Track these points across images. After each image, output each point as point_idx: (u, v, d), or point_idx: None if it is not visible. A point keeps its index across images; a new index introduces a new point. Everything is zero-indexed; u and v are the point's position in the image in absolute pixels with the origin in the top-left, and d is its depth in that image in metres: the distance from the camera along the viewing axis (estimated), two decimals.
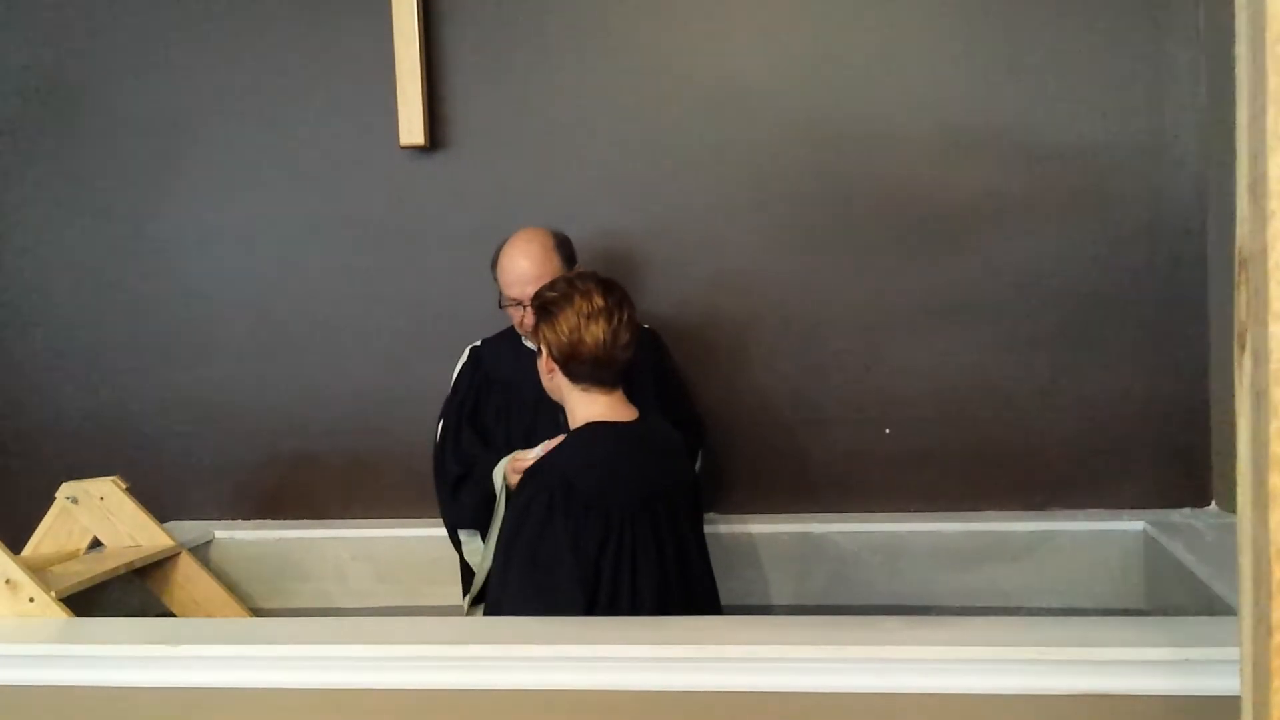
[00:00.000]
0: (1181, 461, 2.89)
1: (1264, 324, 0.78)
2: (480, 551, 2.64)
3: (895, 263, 2.98)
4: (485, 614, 2.19)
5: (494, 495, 2.52)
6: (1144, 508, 2.88)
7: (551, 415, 2.36)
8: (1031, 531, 2.83)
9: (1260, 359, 0.79)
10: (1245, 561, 0.87)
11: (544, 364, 2.20)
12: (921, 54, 2.95)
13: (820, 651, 1.81)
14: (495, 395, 2.73)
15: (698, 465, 2.81)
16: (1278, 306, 0.77)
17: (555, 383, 2.21)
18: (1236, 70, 0.84)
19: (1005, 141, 2.92)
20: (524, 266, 2.55)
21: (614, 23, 3.06)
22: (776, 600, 2.92)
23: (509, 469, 2.47)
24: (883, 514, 2.97)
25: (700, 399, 2.99)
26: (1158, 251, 2.87)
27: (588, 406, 2.17)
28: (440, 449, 2.75)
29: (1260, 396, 0.79)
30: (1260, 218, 0.76)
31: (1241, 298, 0.85)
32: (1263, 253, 0.77)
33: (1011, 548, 2.84)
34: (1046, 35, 2.89)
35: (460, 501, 2.66)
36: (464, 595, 2.69)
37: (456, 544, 2.72)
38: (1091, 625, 1.93)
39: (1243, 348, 0.84)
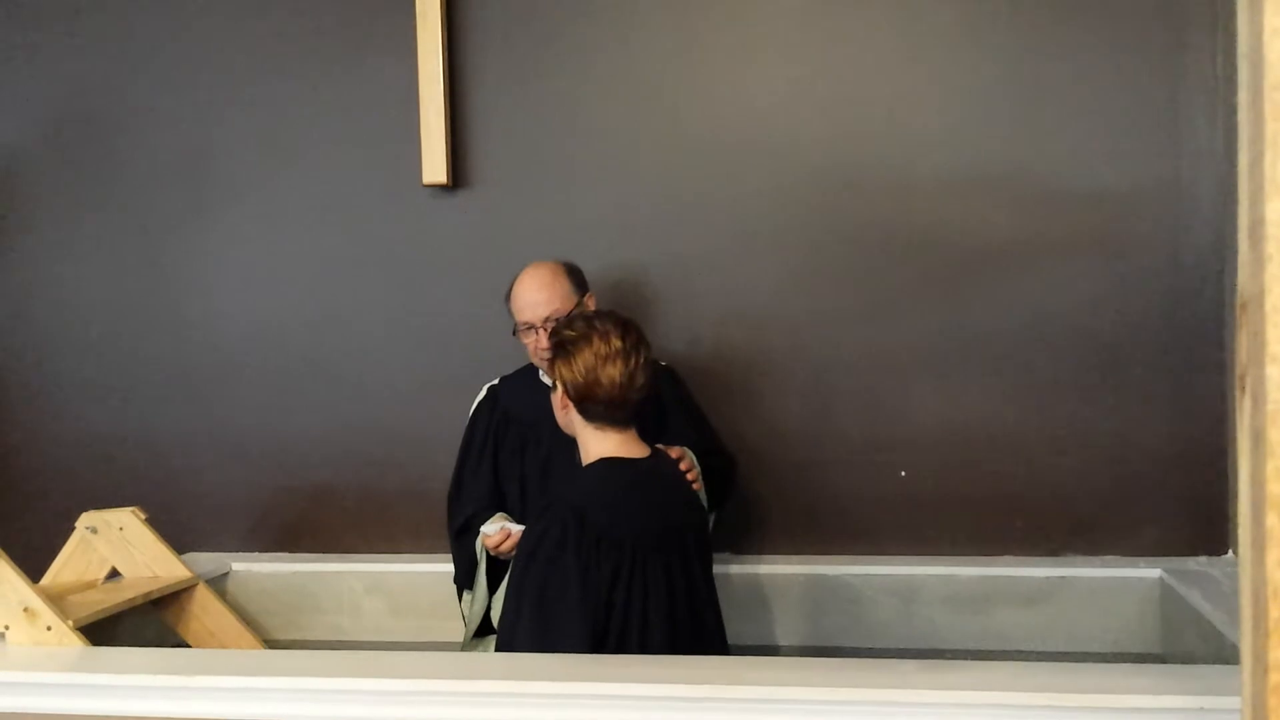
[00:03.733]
0: (1198, 508, 2.87)
1: (1262, 366, 0.79)
2: (468, 601, 2.69)
3: (910, 305, 2.98)
4: (496, 647, 2.20)
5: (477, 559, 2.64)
6: (1160, 555, 2.86)
7: (568, 452, 2.38)
8: (1047, 577, 2.82)
9: (1259, 401, 0.80)
10: (1245, 602, 0.87)
11: (559, 399, 2.23)
12: (938, 98, 2.97)
13: (833, 694, 1.80)
14: (513, 433, 2.76)
15: (729, 500, 2.82)
16: (1275, 349, 0.77)
17: (569, 418, 2.24)
18: (1239, 117, 0.85)
19: (1021, 185, 2.93)
20: (533, 289, 2.61)
21: (637, 66, 3.10)
22: (789, 641, 2.91)
23: (483, 540, 2.56)
24: (897, 556, 2.95)
25: None
26: (1174, 296, 2.87)
27: (600, 443, 2.19)
28: (454, 492, 2.79)
29: (1259, 437, 0.80)
30: (1259, 261, 0.77)
31: (1242, 341, 0.86)
32: (1261, 295, 0.78)
33: (1026, 593, 2.82)
34: (1064, 80, 2.91)
35: (457, 555, 2.73)
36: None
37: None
38: (1106, 672, 1.91)
39: (1243, 390, 0.85)
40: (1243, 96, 0.82)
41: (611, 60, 3.11)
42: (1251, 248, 0.80)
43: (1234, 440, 2.74)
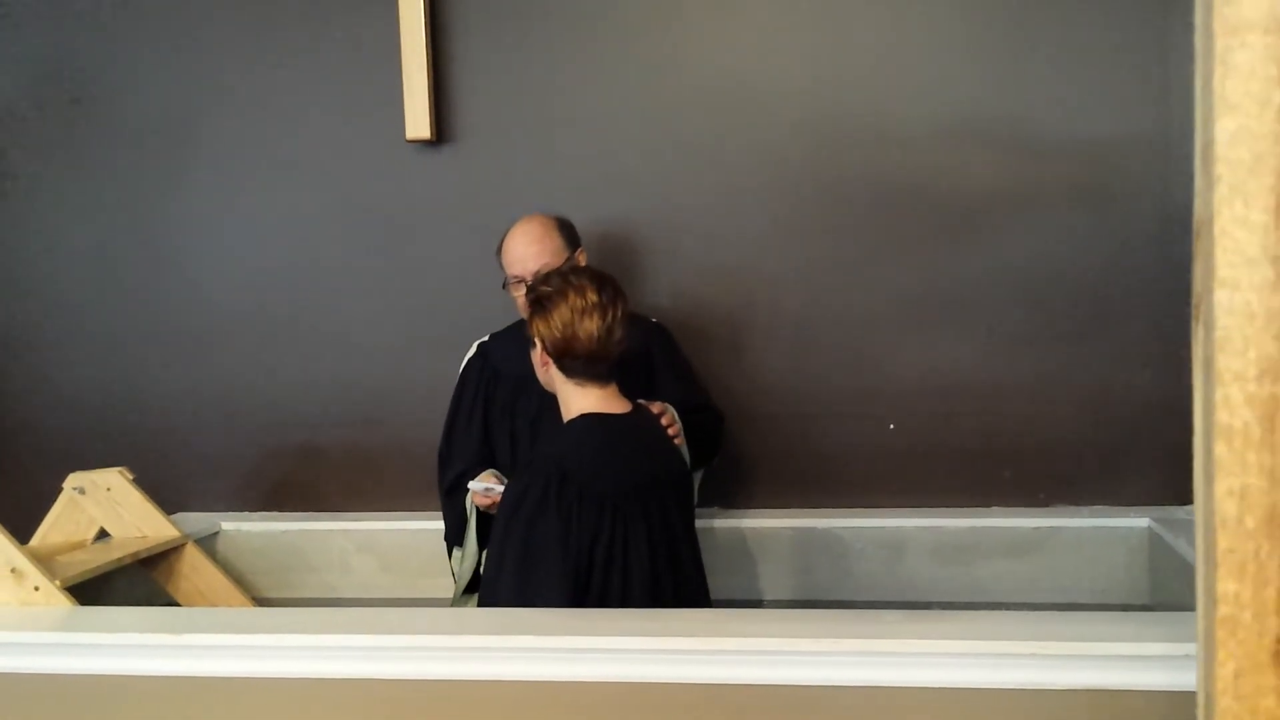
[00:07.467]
0: (1186, 458, 2.83)
1: (1212, 292, 0.78)
2: (458, 558, 2.69)
3: (898, 257, 2.97)
4: (478, 603, 2.20)
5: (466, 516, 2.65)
6: (1148, 504, 2.86)
7: (558, 408, 2.38)
8: (1035, 527, 2.82)
9: (1209, 328, 0.79)
10: (1198, 535, 0.87)
11: (538, 356, 2.23)
12: (925, 48, 2.94)
13: (819, 644, 1.80)
14: (503, 389, 2.75)
15: (717, 457, 2.82)
16: (1224, 273, 0.77)
17: (549, 375, 2.23)
18: (1195, 36, 0.84)
19: (1009, 136, 2.91)
20: (523, 243, 2.61)
21: (620, 17, 3.07)
22: (775, 595, 2.92)
23: (473, 497, 2.58)
24: (886, 509, 2.96)
25: None
26: (1161, 245, 2.86)
27: (581, 399, 2.19)
28: (444, 449, 2.79)
29: (1209, 365, 0.79)
30: (1209, 184, 0.76)
31: (1197, 268, 0.85)
32: (1211, 219, 0.77)
33: (1015, 544, 2.83)
34: (1052, 29, 2.88)
35: (447, 513, 2.75)
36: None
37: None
38: (1093, 620, 1.91)
39: (1197, 319, 0.84)
40: (1198, 17, 0.81)
41: (596, 12, 3.08)
42: (1203, 171, 0.79)
43: None
